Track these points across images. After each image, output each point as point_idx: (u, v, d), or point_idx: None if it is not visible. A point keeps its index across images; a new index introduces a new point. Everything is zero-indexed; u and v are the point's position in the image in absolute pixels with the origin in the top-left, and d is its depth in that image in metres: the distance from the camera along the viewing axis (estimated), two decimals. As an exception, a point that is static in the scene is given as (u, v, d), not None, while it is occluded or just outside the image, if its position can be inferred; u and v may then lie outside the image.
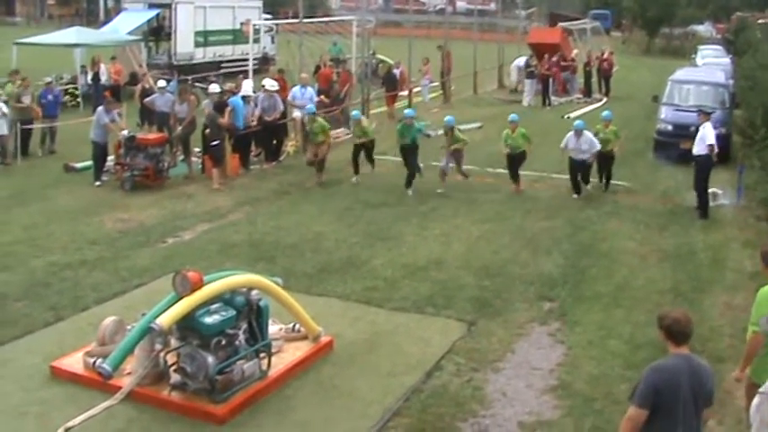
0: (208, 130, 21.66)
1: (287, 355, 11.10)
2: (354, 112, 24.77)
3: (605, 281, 14.66)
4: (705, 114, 19.65)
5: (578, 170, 20.49)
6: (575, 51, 44.81)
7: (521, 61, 41.73)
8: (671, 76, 29.58)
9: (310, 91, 26.01)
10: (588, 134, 20.28)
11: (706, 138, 18.92)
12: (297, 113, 25.59)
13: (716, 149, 19.18)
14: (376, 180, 21.99)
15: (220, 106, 22.35)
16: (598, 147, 20.18)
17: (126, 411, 9.90)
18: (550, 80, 38.95)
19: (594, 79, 42.25)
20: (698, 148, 19.08)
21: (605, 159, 21.01)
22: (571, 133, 20.29)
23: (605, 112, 22.31)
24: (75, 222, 18.15)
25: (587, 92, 41.38)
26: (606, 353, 11.76)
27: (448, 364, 11.31)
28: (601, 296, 13.92)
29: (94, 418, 9.62)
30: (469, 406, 10.20)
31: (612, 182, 21.56)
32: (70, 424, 9.66)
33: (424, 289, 13.93)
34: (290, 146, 25.68)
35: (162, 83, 25.72)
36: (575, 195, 20.50)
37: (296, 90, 25.85)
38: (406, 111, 23.25)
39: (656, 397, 6.93)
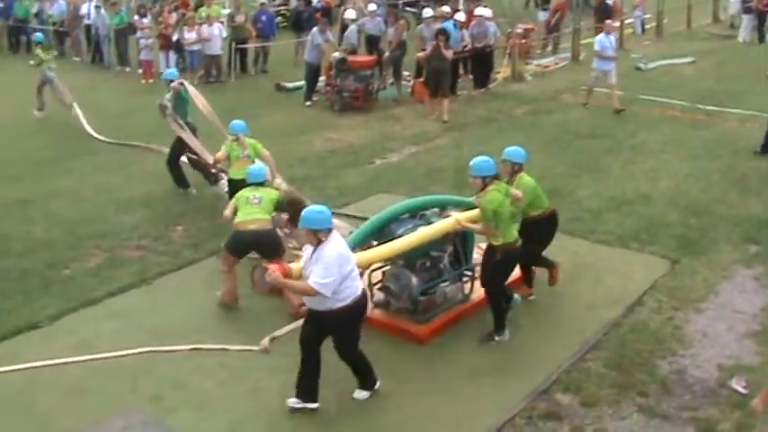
0: (433, 62, 21.01)
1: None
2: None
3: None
4: None
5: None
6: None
7: (737, -5, 39.89)
8: None
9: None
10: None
11: None
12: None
13: None
14: (585, 111, 21.65)
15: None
16: None
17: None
18: (768, 15, 37.03)
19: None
20: None
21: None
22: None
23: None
24: (285, 140, 18.69)
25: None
26: (815, 302, 11.33)
27: (649, 300, 11.15)
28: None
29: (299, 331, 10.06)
30: (669, 344, 10.05)
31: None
32: (276, 334, 10.12)
33: (629, 223, 13.72)
34: (500, 73, 25.56)
35: (372, 6, 25.87)
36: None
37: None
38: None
39: None
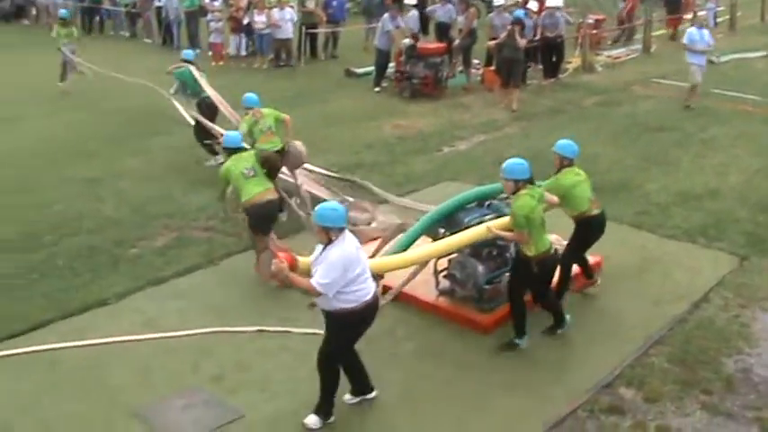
0: (506, 50, 20.83)
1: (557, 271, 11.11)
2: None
3: None
4: None
5: None
6: None
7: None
8: None
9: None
10: None
11: None
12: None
13: None
14: (654, 104, 21.45)
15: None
16: None
17: (393, 312, 10.31)
18: None
19: None
20: None
21: None
22: None
23: None
24: (354, 126, 18.82)
25: None
26: None
27: (715, 297, 11.02)
28: None
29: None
30: (735, 342, 9.94)
31: None
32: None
33: (697, 218, 13.57)
34: (570, 63, 25.42)
35: (443, -7, 25.88)
36: None
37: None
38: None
39: None
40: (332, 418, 8.42)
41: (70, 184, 15.19)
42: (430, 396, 8.90)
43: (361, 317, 8.12)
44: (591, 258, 11.06)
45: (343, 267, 7.78)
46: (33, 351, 9.76)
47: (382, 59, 22.97)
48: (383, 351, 9.48)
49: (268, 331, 10.07)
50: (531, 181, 9.33)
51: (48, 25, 31.00)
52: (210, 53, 27.63)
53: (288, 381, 9.16)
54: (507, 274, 10.28)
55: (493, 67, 22.35)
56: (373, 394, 8.77)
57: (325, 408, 8.39)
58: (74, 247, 12.57)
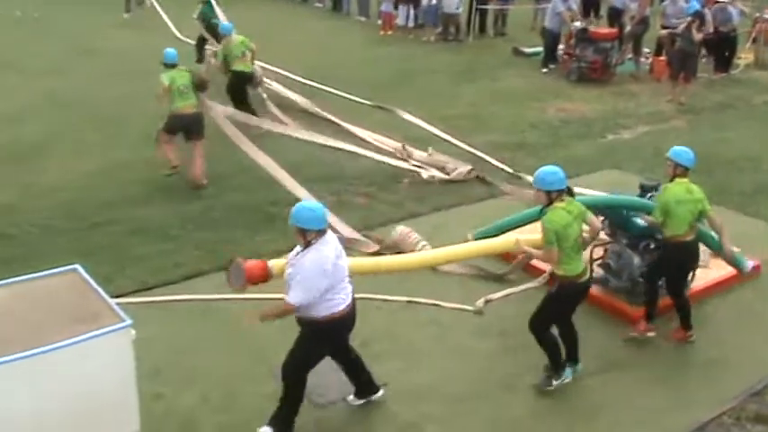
0: (680, 42, 20.12)
1: (711, 272, 10.80)
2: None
3: None
4: None
5: None
6: None
7: None
8: None
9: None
10: None
11: None
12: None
13: None
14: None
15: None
16: None
17: (540, 296, 10.22)
18: None
19: None
20: None
21: None
22: None
23: None
24: (519, 105, 18.76)
25: None
26: None
27: None
28: None
29: (512, 296, 10.14)
30: None
31: None
32: (491, 296, 10.20)
33: None
34: (742, 58, 24.66)
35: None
36: None
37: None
38: None
39: None
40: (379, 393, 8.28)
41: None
42: (570, 384, 8.76)
43: (336, 326, 7.55)
44: (749, 262, 10.69)
45: (320, 274, 7.17)
46: (187, 300, 10.11)
47: (551, 40, 22.76)
48: (528, 335, 9.44)
49: (418, 303, 10.12)
50: (570, 192, 8.37)
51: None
52: (380, 22, 27.88)
53: (432, 354, 9.22)
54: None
55: (663, 57, 21.87)
56: (380, 393, 8.40)
57: (280, 423, 7.80)
58: (232, 203, 12.92)
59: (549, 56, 22.73)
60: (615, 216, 9.99)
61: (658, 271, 9.55)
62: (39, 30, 26.48)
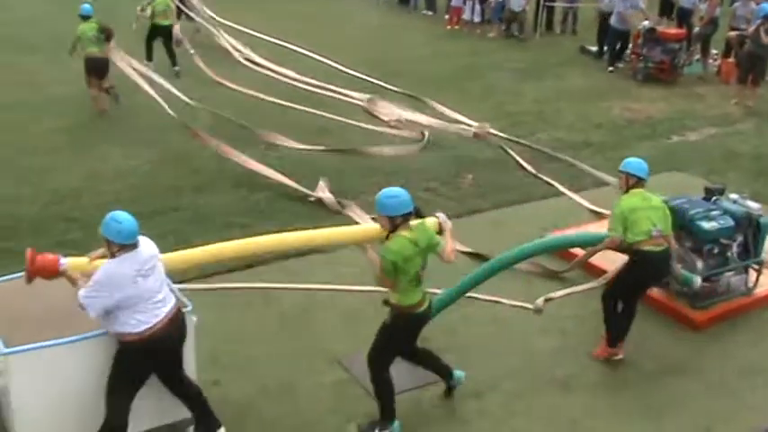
0: (750, 45, 19.56)
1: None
2: None
3: None
4: None
5: None
6: None
7: None
8: None
9: None
10: None
11: None
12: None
13: None
14: None
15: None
16: None
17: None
18: None
19: None
20: None
21: None
22: None
23: None
24: (583, 104, 18.65)
25: None
26: None
27: None
28: None
29: (574, 295, 10.05)
30: None
31: None
32: (551, 295, 10.13)
33: None
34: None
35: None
36: None
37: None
38: None
39: None
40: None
41: (299, 131, 15.65)
42: (628, 385, 8.77)
43: (146, 350, 6.75)
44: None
45: (114, 286, 6.54)
46: (250, 288, 10.21)
47: (615, 40, 22.54)
48: (588, 334, 9.40)
49: (478, 299, 10.10)
50: (418, 214, 7.68)
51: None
52: (447, 16, 27.87)
53: (490, 351, 9.22)
54: (727, 273, 10.02)
55: (732, 59, 21.59)
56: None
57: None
58: (295, 193, 12.98)
59: (616, 55, 22.52)
60: (680, 219, 9.87)
61: (619, 284, 9.12)
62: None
